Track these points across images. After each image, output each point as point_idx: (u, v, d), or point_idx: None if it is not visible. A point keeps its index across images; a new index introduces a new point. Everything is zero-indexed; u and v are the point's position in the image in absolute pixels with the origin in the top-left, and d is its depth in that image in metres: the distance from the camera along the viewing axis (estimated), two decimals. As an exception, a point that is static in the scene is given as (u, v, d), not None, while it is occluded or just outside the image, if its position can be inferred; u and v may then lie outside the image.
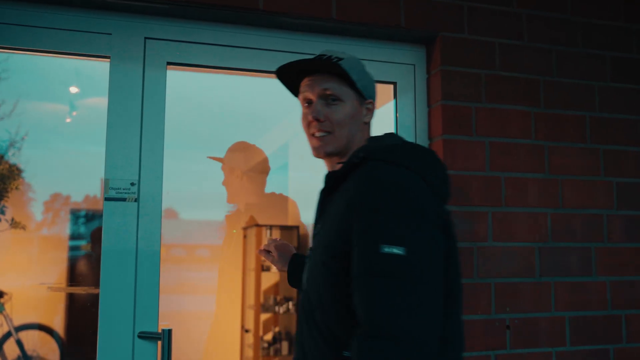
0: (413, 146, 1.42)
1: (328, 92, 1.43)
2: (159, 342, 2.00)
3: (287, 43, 2.25)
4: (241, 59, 2.21)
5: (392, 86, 2.37)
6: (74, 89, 4.20)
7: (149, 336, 1.99)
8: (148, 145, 2.06)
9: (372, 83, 1.51)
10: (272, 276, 4.63)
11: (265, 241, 4.85)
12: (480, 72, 2.29)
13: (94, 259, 3.90)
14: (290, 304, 4.41)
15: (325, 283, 1.31)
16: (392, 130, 2.38)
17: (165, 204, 3.08)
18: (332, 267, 1.29)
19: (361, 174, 1.31)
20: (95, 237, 4.07)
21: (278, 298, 4.54)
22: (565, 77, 2.39)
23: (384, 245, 1.17)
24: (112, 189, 2.02)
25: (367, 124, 1.50)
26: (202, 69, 2.47)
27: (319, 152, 1.47)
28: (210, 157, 3.46)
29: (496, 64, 2.32)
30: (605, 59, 2.46)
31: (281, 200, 3.29)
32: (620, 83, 2.47)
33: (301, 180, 4.39)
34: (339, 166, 1.44)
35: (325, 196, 1.46)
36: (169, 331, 1.97)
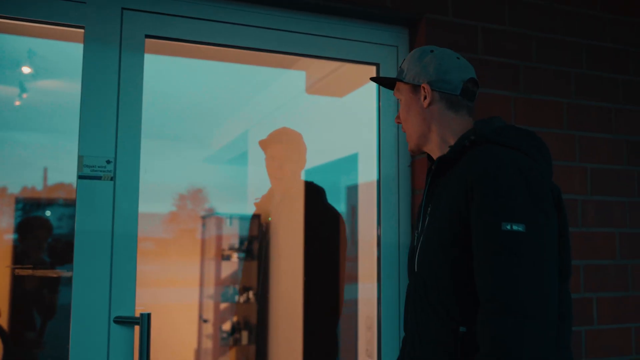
0: (518, 128, 1.49)
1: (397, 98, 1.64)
2: (136, 328, 1.91)
3: (269, 19, 2.18)
4: (221, 34, 2.12)
5: (374, 67, 2.34)
6: (26, 69, 3.99)
7: (126, 321, 1.89)
8: (125, 120, 1.96)
9: (425, 68, 1.54)
10: (231, 265, 4.55)
11: (225, 230, 4.76)
12: (463, 55, 2.28)
13: (20, 250, 3.71)
14: (250, 294, 4.34)
15: (443, 265, 1.35)
16: (374, 110, 2.35)
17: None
18: (451, 251, 1.34)
19: (475, 156, 1.37)
20: (22, 229, 3.90)
21: (238, 287, 4.47)
22: (544, 63, 2.41)
23: (505, 222, 1.22)
24: (87, 166, 1.91)
25: (434, 107, 1.53)
26: (159, 52, 2.36)
27: (409, 149, 1.62)
28: (260, 143, 3.34)
29: (478, 48, 2.31)
30: (582, 46, 2.49)
31: (313, 189, 3.21)
32: (595, 71, 2.51)
33: (261, 170, 4.31)
34: (437, 152, 1.54)
35: (434, 180, 1.52)
36: (148, 315, 1.88)
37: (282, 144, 3.27)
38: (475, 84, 1.57)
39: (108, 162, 1.93)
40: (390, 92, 2.33)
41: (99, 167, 1.92)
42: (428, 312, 1.40)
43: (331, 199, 4.32)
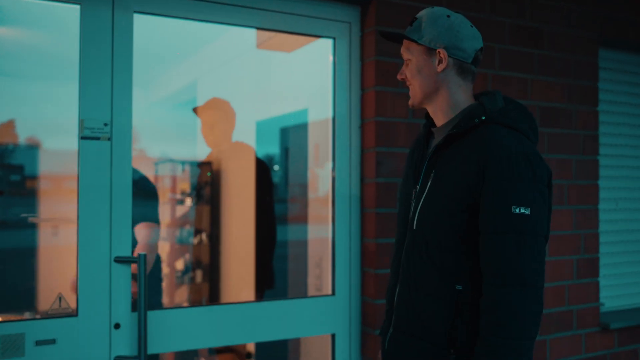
0: (516, 107, 1.66)
1: (403, 56, 1.70)
2: (132, 265, 2.26)
3: (241, -2, 2.49)
4: (205, 11, 2.41)
5: (331, 40, 2.69)
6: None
7: (125, 260, 2.24)
8: (119, 88, 2.25)
9: (442, 34, 1.61)
10: (185, 208, 4.85)
11: (180, 173, 5.03)
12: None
13: None
14: (204, 235, 4.68)
15: (449, 229, 1.55)
16: (329, 75, 2.71)
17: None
18: (457, 217, 1.53)
19: (488, 138, 1.53)
20: None
21: (191, 229, 4.78)
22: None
23: (515, 206, 1.45)
24: (87, 128, 2.20)
25: (446, 72, 1.62)
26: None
27: (410, 104, 1.73)
28: (194, 111, 3.86)
29: (420, 26, 2.69)
30: (505, 24, 2.92)
31: (242, 147, 3.80)
32: (515, 46, 2.95)
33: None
34: (440, 115, 1.66)
35: (440, 150, 1.63)
36: (144, 255, 2.23)
37: (213, 111, 3.77)
38: (482, 52, 1.67)
39: (105, 124, 2.23)
40: (344, 65, 2.69)
41: (97, 129, 2.22)
42: (428, 267, 1.58)
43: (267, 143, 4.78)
